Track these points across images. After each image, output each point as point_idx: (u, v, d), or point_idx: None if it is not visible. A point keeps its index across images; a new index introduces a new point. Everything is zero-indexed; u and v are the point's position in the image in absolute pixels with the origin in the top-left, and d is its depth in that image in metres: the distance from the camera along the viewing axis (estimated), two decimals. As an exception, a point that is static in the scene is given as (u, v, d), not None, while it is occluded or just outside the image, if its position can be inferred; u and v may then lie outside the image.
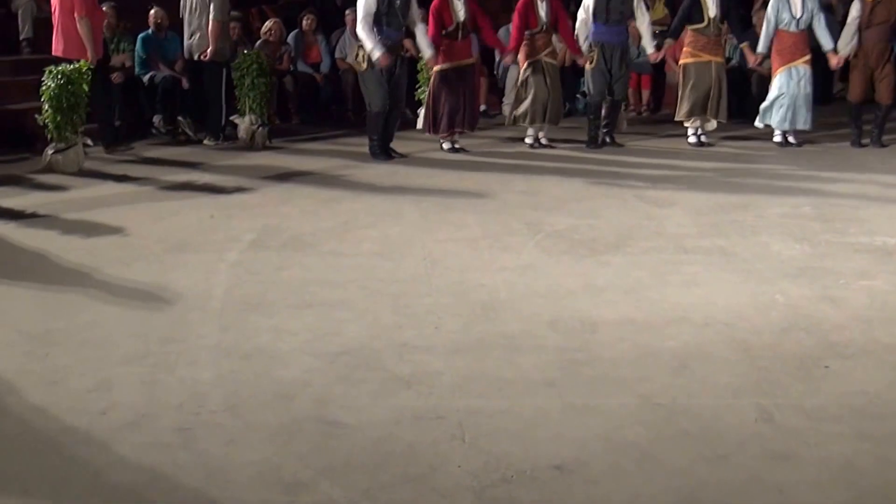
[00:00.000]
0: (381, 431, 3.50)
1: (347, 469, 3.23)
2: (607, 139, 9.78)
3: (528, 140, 9.68)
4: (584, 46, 9.50)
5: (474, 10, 9.12)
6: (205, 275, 5.43)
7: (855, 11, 9.48)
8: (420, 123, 9.57)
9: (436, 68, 9.03)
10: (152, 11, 10.51)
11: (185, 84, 10.41)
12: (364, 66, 8.58)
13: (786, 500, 3.08)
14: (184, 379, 4.00)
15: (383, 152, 8.89)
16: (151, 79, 10.41)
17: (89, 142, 8.77)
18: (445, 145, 9.37)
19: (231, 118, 9.88)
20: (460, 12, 8.96)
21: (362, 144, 9.10)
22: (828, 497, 3.09)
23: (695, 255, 5.78)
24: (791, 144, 9.70)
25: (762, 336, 4.47)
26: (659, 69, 11.84)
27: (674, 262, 5.65)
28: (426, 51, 8.95)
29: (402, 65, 8.90)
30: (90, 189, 7.77)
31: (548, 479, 3.17)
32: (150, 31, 10.55)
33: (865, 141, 9.69)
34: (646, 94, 12.41)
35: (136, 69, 10.52)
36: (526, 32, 9.27)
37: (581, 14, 9.50)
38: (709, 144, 9.81)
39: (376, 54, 8.40)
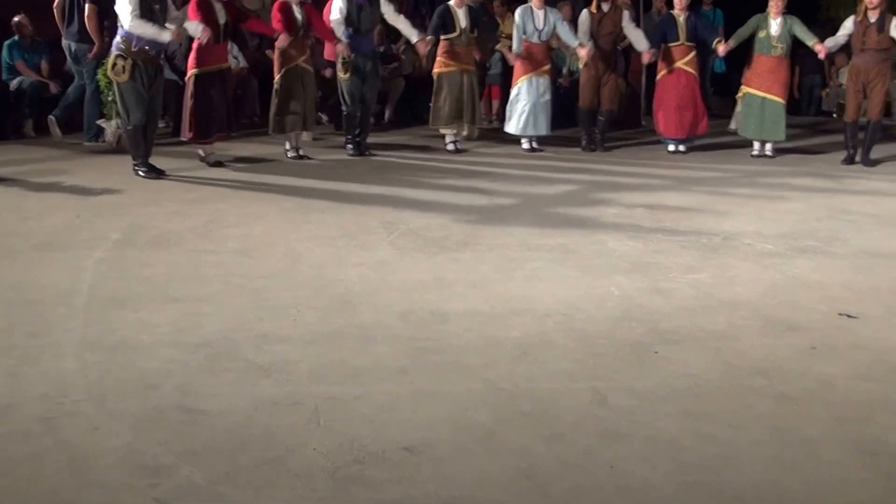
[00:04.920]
0: (240, 417, 3.46)
1: (208, 453, 3.19)
2: (363, 150, 9.46)
3: (288, 152, 9.14)
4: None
5: (236, 13, 8.55)
6: (70, 272, 5.26)
7: (582, 24, 9.86)
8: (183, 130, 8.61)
9: (192, 72, 8.22)
10: (17, 19, 10.15)
11: (53, 88, 10.12)
12: (125, 77, 7.58)
13: (616, 474, 3.17)
14: (48, 371, 3.87)
15: (152, 168, 8.01)
16: (19, 84, 10.06)
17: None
18: (209, 158, 8.61)
19: (98, 122, 9.61)
20: (220, 13, 8.23)
21: (230, 148, 8.95)
22: (654, 470, 3.19)
23: (538, 251, 5.90)
24: (536, 150, 9.95)
25: (598, 325, 4.60)
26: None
27: (518, 258, 5.75)
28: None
29: (162, 75, 8.04)
30: (-45, 190, 7.45)
31: (398, 460, 3.20)
32: (15, 37, 10.19)
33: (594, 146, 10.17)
34: (496, 104, 12.59)
35: (4, 75, 10.17)
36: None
37: (336, 16, 9.03)
38: (464, 150, 9.82)
39: (166, 36, 7.55)
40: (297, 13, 8.76)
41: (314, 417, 3.49)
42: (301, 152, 9.19)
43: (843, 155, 9.70)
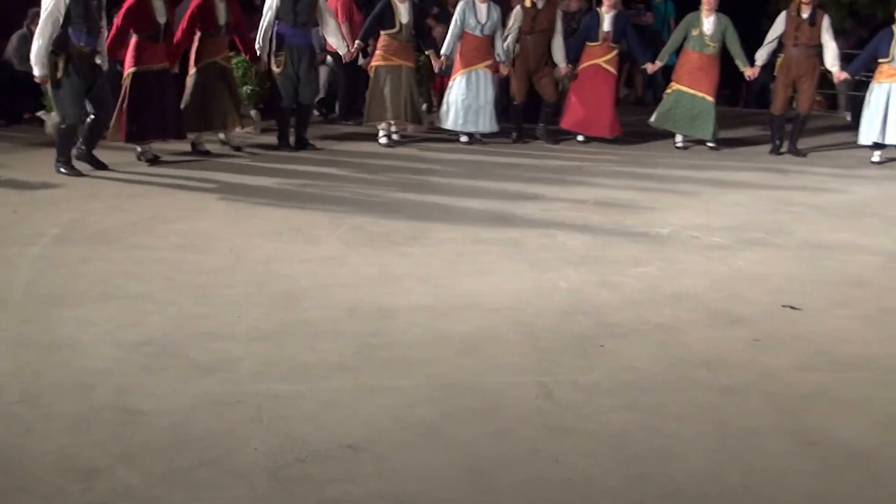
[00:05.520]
0: (179, 417, 3.42)
1: (145, 454, 3.14)
2: (304, 144, 9.23)
3: (196, 147, 8.81)
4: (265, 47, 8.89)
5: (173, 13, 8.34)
6: (6, 269, 5.16)
7: (517, 19, 9.74)
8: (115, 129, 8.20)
9: (129, 71, 7.97)
10: None
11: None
12: (59, 74, 7.33)
13: (561, 468, 3.18)
14: (-20, 372, 3.80)
15: (73, 167, 7.70)
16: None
17: None
18: (144, 155, 8.31)
19: (38, 114, 9.44)
20: (160, 12, 7.97)
21: (173, 143, 8.81)
22: (599, 464, 3.21)
23: (487, 245, 5.90)
24: (479, 141, 9.87)
25: (545, 319, 4.61)
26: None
27: (467, 252, 5.75)
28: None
29: (101, 73, 7.71)
30: None
31: (340, 458, 3.18)
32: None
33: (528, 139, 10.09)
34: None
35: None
36: (200, 34, 8.49)
37: (266, 16, 8.84)
38: (400, 143, 9.67)
39: (37, 71, 7.30)
40: (221, 11, 8.53)
41: (256, 416, 3.46)
42: (234, 144, 9.00)
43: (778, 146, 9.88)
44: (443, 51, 9.56)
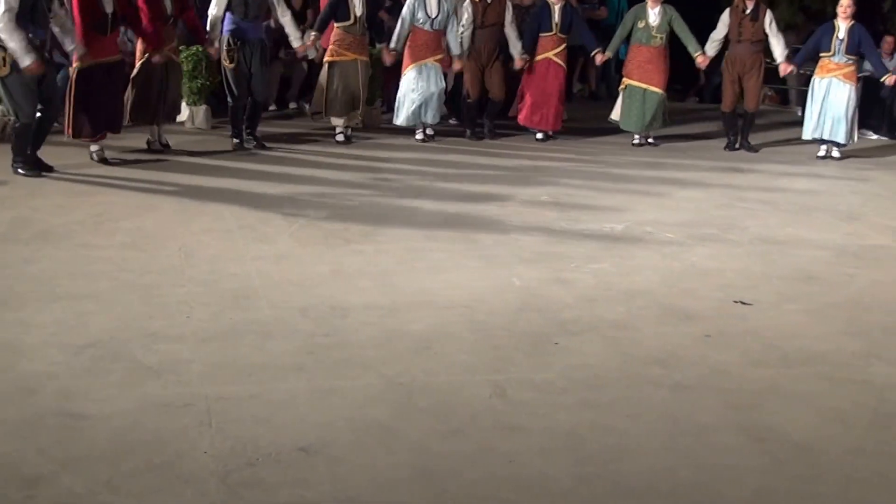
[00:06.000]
0: (126, 421, 3.37)
1: (90, 460, 3.09)
2: (253, 142, 9.02)
3: (151, 144, 8.67)
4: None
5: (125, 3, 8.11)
6: (-52, 270, 5.06)
7: (467, 14, 9.69)
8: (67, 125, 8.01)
9: (75, 66, 7.69)
10: None
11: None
12: (7, 70, 7.04)
13: (515, 468, 3.18)
14: (-81, 377, 3.71)
15: (36, 166, 7.50)
16: None
17: None
18: (97, 154, 8.09)
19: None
20: (108, 2, 7.70)
21: (121, 138, 8.69)
22: (552, 463, 3.22)
23: (441, 242, 5.89)
24: (429, 138, 9.85)
25: (498, 316, 4.61)
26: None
27: (421, 249, 5.73)
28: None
29: (52, 65, 7.59)
30: None
31: (292, 461, 3.15)
32: None
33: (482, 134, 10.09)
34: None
35: None
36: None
37: (212, 9, 8.64)
38: (354, 141, 9.59)
39: (26, 61, 6.94)
40: (167, 1, 8.35)
41: (206, 419, 3.42)
42: (163, 142, 8.75)
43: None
44: (391, 45, 9.47)
